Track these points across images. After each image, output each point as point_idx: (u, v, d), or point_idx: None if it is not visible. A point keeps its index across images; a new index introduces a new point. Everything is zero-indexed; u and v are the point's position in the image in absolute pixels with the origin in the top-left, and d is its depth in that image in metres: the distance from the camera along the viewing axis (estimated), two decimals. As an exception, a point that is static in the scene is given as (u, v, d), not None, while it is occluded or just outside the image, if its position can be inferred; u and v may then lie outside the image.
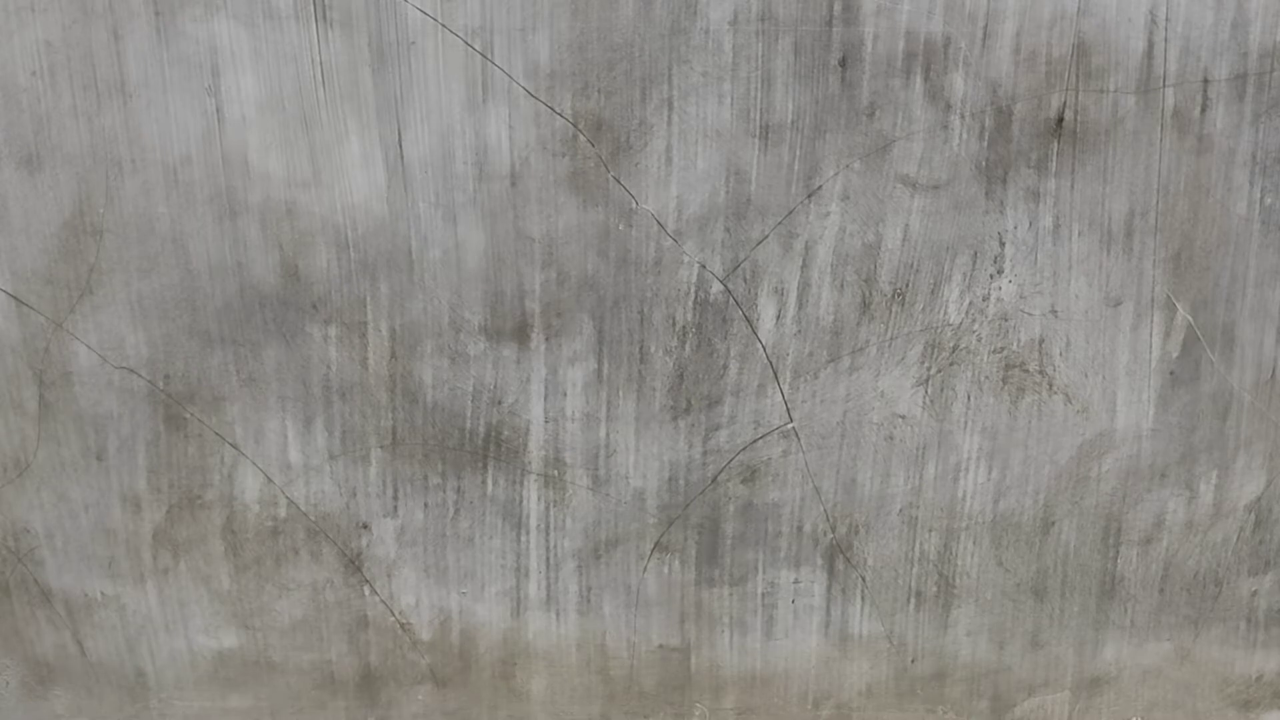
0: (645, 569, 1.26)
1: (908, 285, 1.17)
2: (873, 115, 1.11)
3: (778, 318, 1.17)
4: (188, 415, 1.19)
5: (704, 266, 1.15)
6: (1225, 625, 1.31)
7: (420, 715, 1.32)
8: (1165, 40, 1.09)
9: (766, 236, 1.15)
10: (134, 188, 1.12)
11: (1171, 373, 1.20)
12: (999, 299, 1.17)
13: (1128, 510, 1.25)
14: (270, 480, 1.22)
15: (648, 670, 1.30)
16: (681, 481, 1.23)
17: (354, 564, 1.25)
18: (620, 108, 1.10)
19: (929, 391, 1.20)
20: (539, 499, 1.23)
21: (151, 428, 1.20)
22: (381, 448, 1.21)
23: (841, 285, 1.17)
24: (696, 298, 1.16)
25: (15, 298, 1.15)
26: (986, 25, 1.09)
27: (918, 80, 1.10)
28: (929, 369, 1.20)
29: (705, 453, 1.22)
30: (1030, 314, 1.18)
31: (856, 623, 1.29)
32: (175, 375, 1.18)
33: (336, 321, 1.16)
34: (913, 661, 1.31)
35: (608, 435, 1.21)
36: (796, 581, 1.27)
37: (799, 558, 1.26)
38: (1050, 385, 1.20)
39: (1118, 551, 1.27)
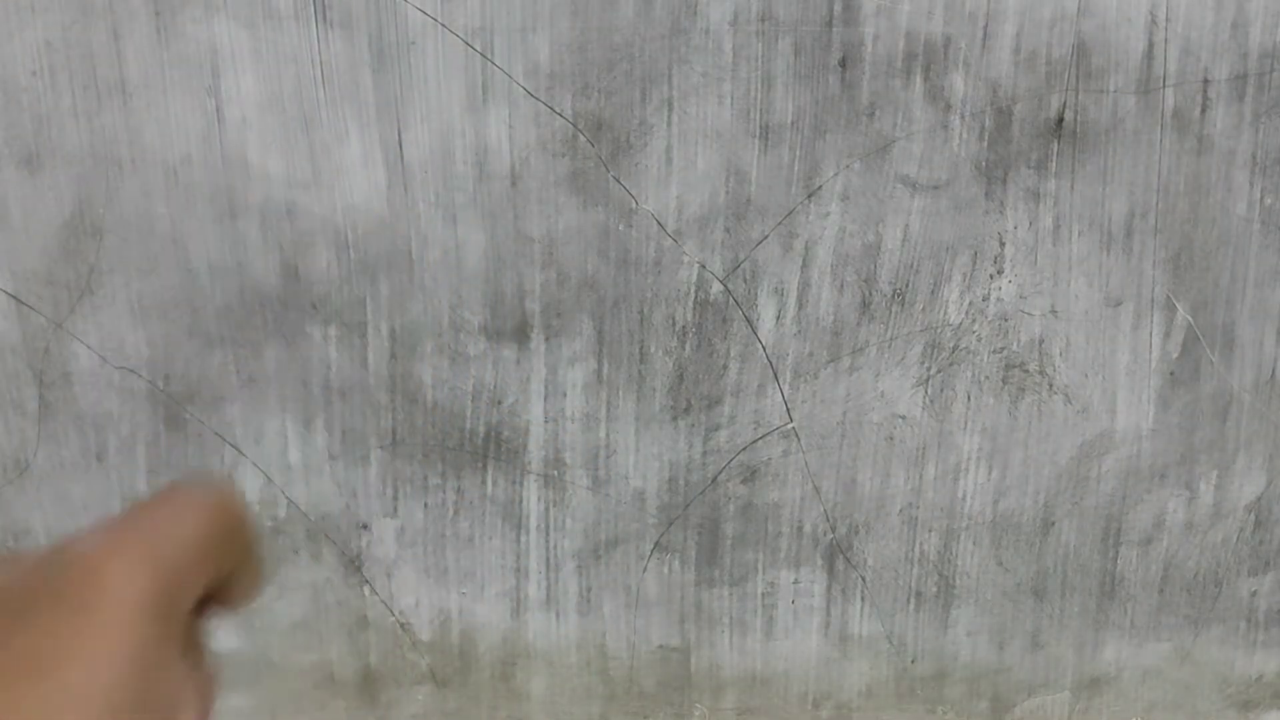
0: (645, 569, 1.26)
1: (908, 285, 1.17)
2: (873, 115, 1.11)
3: (778, 318, 1.17)
4: (188, 415, 1.19)
5: (704, 266, 1.15)
6: (1225, 625, 1.31)
7: (420, 715, 1.32)
8: (1165, 40, 1.09)
9: (766, 236, 1.15)
10: (134, 188, 1.12)
11: (1171, 373, 1.20)
12: (999, 299, 1.17)
13: (1128, 511, 1.25)
14: (270, 480, 1.22)
15: (648, 670, 1.30)
16: (681, 481, 1.23)
17: (354, 564, 1.25)
18: (620, 108, 1.10)
19: (929, 392, 1.20)
20: (539, 499, 1.23)
21: (151, 428, 1.20)
22: (381, 448, 1.21)
23: (841, 285, 1.17)
24: (696, 298, 1.16)
25: (15, 298, 1.15)
26: (987, 25, 1.09)
27: (918, 80, 1.10)
28: (929, 369, 1.20)
29: (705, 453, 1.22)
30: (1030, 314, 1.18)
31: (856, 623, 1.29)
32: (175, 375, 1.18)
33: (336, 322, 1.16)
34: (913, 662, 1.31)
35: (607, 435, 1.21)
36: (796, 582, 1.27)
37: (799, 558, 1.26)
38: (1050, 385, 1.20)
39: (1118, 552, 1.27)
